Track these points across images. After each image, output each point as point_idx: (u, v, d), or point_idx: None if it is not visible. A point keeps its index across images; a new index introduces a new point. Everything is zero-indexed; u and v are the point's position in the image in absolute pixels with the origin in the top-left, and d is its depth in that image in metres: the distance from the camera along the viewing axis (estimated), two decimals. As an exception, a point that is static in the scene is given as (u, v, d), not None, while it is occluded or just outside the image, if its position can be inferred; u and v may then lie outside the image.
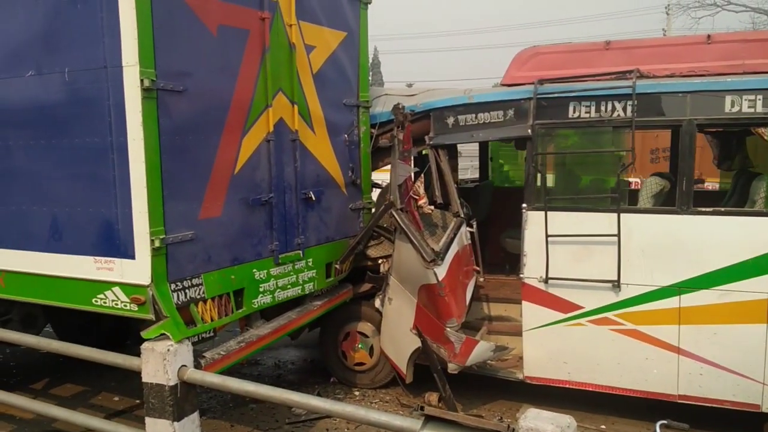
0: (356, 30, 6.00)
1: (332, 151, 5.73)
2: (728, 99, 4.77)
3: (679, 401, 4.92)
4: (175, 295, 4.04)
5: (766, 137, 4.76)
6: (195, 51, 4.21)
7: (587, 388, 5.28)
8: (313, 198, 5.37)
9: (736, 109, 4.75)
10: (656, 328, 4.96)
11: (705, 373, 4.82)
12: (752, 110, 4.71)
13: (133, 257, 3.97)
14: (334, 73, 5.72)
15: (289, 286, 5.22)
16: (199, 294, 4.24)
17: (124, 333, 6.70)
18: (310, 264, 5.46)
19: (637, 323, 5.03)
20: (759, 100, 4.68)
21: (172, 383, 3.66)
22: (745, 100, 4.72)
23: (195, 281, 4.22)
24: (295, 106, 5.13)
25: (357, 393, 6.30)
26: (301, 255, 5.32)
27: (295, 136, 5.14)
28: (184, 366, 3.74)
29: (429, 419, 2.83)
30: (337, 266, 5.88)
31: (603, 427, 5.41)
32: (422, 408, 2.78)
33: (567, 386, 5.32)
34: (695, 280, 4.81)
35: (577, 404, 5.34)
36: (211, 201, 4.37)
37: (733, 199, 5.53)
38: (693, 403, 4.90)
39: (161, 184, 3.97)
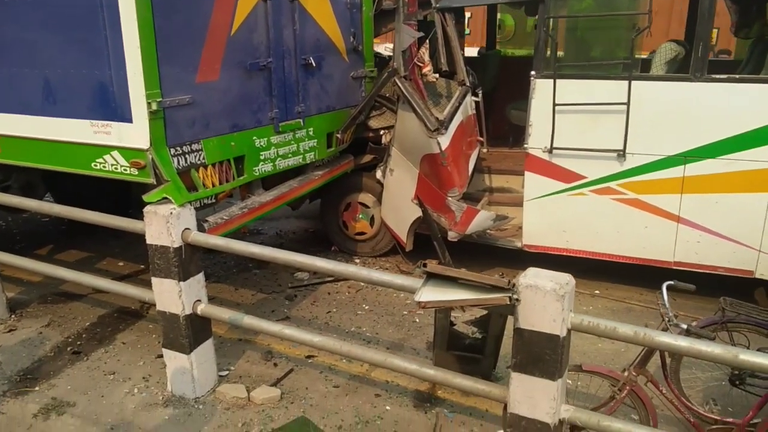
0: None
1: (333, 14, 5.45)
2: None
3: (675, 267, 5.03)
4: (175, 159, 4.00)
5: None
6: None
7: (585, 256, 5.40)
8: (313, 64, 5.19)
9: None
10: (658, 198, 4.98)
11: (702, 240, 4.89)
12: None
13: (130, 121, 3.88)
14: (334, -71, 5.33)
15: (290, 155, 5.17)
16: (199, 159, 4.20)
17: (125, 203, 6.73)
18: (310, 133, 5.37)
19: (640, 192, 5.03)
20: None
21: (176, 245, 3.69)
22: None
23: (195, 147, 4.16)
24: (296, -36, 4.83)
25: (357, 261, 6.45)
26: (302, 123, 5.22)
27: (295, -3, 4.88)
28: (188, 229, 3.76)
29: (430, 276, 2.87)
30: (339, 136, 5.80)
31: (597, 292, 5.59)
32: (424, 265, 2.80)
33: (565, 254, 5.43)
34: (702, 149, 4.75)
35: (573, 271, 5.44)
36: (207, 64, 4.21)
37: (749, 67, 5.34)
38: (688, 269, 5.01)
39: (155, 45, 3.79)
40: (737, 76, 4.88)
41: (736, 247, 4.84)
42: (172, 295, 3.81)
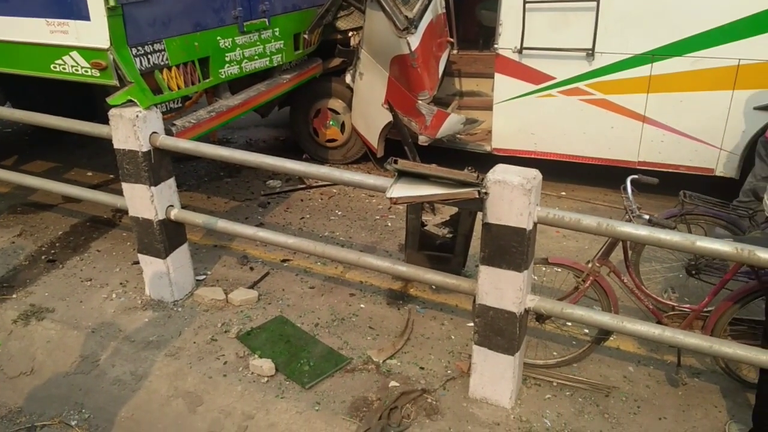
0: None
1: None
2: None
3: (638, 167, 5.16)
4: (137, 60, 3.86)
5: None
6: None
7: (552, 158, 5.50)
8: (276, -42, 4.96)
9: None
10: (625, 97, 5.02)
11: (666, 139, 4.99)
12: None
13: (87, 18, 3.70)
14: None
15: (256, 57, 5.03)
16: (162, 60, 4.06)
17: (89, 112, 6.53)
18: (276, 33, 5.21)
19: (607, 93, 5.07)
20: None
21: (144, 149, 3.64)
22: None
23: (157, 46, 4.02)
24: None
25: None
26: (267, 23, 5.05)
27: None
28: (155, 133, 3.70)
29: (401, 174, 2.91)
30: (306, 37, 5.64)
31: (563, 193, 5.73)
32: (395, 162, 2.83)
33: (533, 156, 5.52)
34: (670, 47, 4.76)
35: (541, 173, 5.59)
36: (166, -42, 4.00)
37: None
38: (651, 168, 5.14)
39: (109, -65, 3.58)
40: (707, -29, 4.83)
41: (698, 146, 4.96)
42: (144, 201, 3.81)
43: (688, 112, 4.88)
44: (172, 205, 3.92)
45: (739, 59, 4.63)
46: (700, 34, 4.68)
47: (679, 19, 4.69)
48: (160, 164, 3.78)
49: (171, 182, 3.91)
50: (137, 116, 3.60)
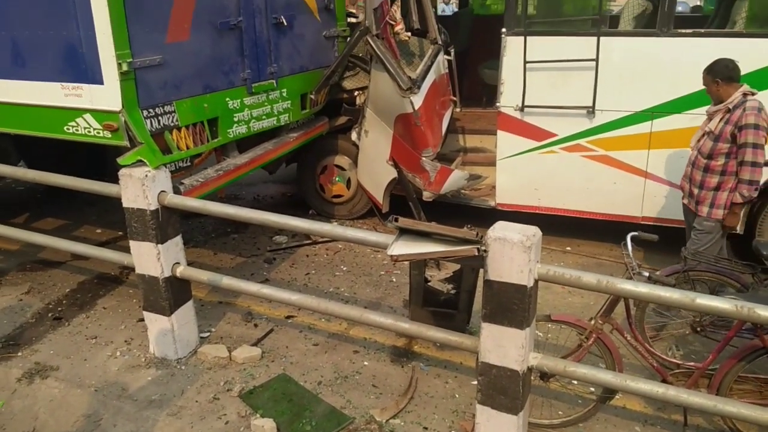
0: None
1: (303, -28, 5.40)
2: None
3: (642, 222, 5.18)
4: (148, 121, 3.99)
5: None
6: None
7: (556, 213, 5.53)
8: (285, 23, 5.15)
9: None
10: (627, 154, 5.09)
11: (669, 195, 5.02)
12: None
13: (101, 82, 3.85)
14: None
15: (264, 117, 5.17)
16: (172, 121, 4.19)
17: (100, 169, 6.68)
18: (284, 94, 5.36)
19: (609, 149, 5.14)
20: None
21: (152, 208, 3.72)
22: None
23: (167, 108, 4.15)
24: None
25: (335, 223, 6.51)
26: (275, 84, 5.21)
27: (262, -47, 4.82)
28: (164, 191, 3.78)
29: (403, 232, 2.95)
30: (312, 97, 5.79)
31: (568, 248, 5.74)
32: (396, 220, 2.87)
33: (537, 212, 5.55)
34: (669, 105, 4.85)
35: (545, 229, 5.55)
36: (177, 24, 4.17)
37: (716, 22, 5.42)
38: (655, 223, 5.16)
39: (123, 5, 3.74)
40: (702, 30, 4.97)
41: (701, 201, 4.97)
42: (150, 258, 3.85)
43: (689, 168, 4.91)
44: (178, 263, 3.96)
45: (737, 116, 4.69)
46: (697, 92, 4.75)
47: (676, 77, 4.79)
48: (167, 222, 3.85)
49: (178, 240, 3.97)
50: (146, 176, 3.69)
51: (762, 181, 3.90)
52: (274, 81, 5.17)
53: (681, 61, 4.77)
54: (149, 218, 3.74)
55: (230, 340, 4.32)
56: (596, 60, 4.88)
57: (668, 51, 4.76)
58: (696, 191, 4.05)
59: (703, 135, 3.98)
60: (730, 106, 3.82)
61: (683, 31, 4.79)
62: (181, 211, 3.95)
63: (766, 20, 4.85)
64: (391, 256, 2.79)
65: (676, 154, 4.94)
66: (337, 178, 6.43)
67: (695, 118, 4.79)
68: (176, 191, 4.03)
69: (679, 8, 5.10)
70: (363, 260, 5.62)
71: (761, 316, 2.44)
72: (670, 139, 4.92)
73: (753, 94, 3.82)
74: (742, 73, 4.57)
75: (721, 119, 3.86)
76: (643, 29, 5.12)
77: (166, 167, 3.92)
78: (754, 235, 4.91)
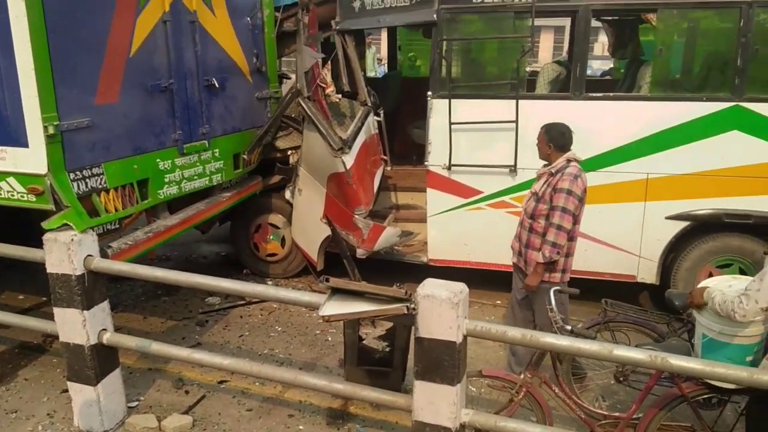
0: None
1: (234, 35, 5.51)
2: None
3: (566, 274, 5.38)
4: (75, 184, 3.92)
5: (654, 24, 5.00)
6: None
7: (485, 267, 5.69)
8: (217, 85, 5.21)
9: (629, -5, 4.93)
10: (548, 209, 5.32)
11: (589, 249, 5.27)
12: (642, -5, 4.91)
13: (26, 145, 3.77)
14: (233, -51, 5.41)
15: (196, 177, 5.16)
16: (100, 183, 4.13)
17: (24, 234, 6.42)
18: (216, 154, 5.38)
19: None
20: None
21: (78, 273, 3.61)
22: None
23: (95, 170, 4.09)
24: (192, -16, 4.87)
25: (270, 282, 6.47)
26: (207, 145, 5.22)
27: (194, 18, 4.91)
28: (90, 255, 3.69)
29: (335, 291, 2.99)
30: (245, 157, 5.83)
31: (498, 302, 5.89)
32: (327, 280, 2.92)
33: (467, 266, 5.70)
34: (585, 163, 5.11)
35: (477, 283, 5.71)
36: (106, 86, 4.16)
37: (625, 86, 5.85)
38: (578, 276, 5.32)
39: (50, 67, 3.72)
40: (611, 94, 5.36)
41: (620, 254, 5.27)
42: (75, 325, 3.72)
43: (607, 223, 5.21)
44: (105, 329, 3.84)
45: (648, 173, 5.05)
46: (611, 151, 5.11)
47: (590, 137, 5.11)
48: (94, 287, 3.74)
49: (105, 305, 3.86)
50: (72, 240, 3.60)
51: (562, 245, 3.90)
52: (206, 141, 5.19)
53: (593, 122, 5.10)
54: (75, 284, 3.64)
55: (160, 408, 4.17)
56: (516, 122, 5.16)
57: (581, 113, 5.09)
58: (524, 251, 4.10)
59: (531, 196, 4.09)
60: (554, 170, 3.93)
61: (594, 94, 5.16)
62: (108, 275, 3.85)
63: (668, 85, 5.28)
64: (323, 316, 2.82)
65: (593, 209, 5.18)
66: (271, 237, 6.43)
67: (610, 175, 5.13)
68: (104, 255, 3.94)
69: (590, 72, 5.46)
70: (298, 319, 5.58)
71: (673, 365, 2.59)
72: (588, 196, 5.14)
73: (577, 160, 3.94)
74: (648, 134, 4.97)
75: (545, 182, 3.96)
76: (557, 93, 5.47)
77: (93, 230, 3.84)
78: (669, 285, 5.20)
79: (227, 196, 5.67)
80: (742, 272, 5.03)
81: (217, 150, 5.37)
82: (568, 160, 3.92)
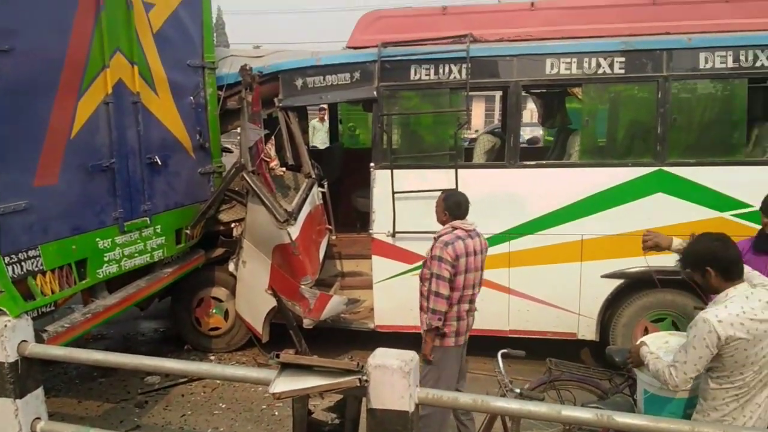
0: (198, -12, 5.83)
1: (178, 114, 5.57)
2: (548, 62, 5.30)
3: (510, 335, 5.51)
4: (9, 268, 3.79)
5: (580, 96, 5.37)
6: (22, 7, 3.89)
7: (432, 332, 5.73)
8: (159, 163, 5.22)
9: (555, 71, 5.31)
10: (490, 272, 5.41)
11: (531, 308, 5.43)
12: (568, 72, 5.28)
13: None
14: (177, 33, 5.54)
15: (136, 255, 5.07)
16: (36, 266, 4.00)
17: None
18: (158, 231, 5.32)
19: (474, 269, 5.51)
20: (573, 62, 5.25)
21: (11, 360, 3.44)
22: (563, 62, 5.29)
23: (32, 253, 3.97)
24: (135, 67, 4.92)
25: (213, 357, 6.31)
26: (149, 222, 5.17)
27: (137, 99, 4.95)
28: (25, 341, 3.54)
29: (285, 366, 2.97)
30: (188, 232, 5.78)
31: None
32: (277, 356, 2.90)
33: (414, 331, 5.71)
34: (522, 227, 5.38)
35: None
36: (45, 168, 4.10)
37: (555, 154, 6.19)
38: (521, 336, 5.51)
39: (-13, 151, 3.68)
40: (544, 162, 5.66)
41: (560, 313, 5.44)
42: (7, 416, 3.50)
43: (546, 283, 5.40)
44: (38, 418, 3.63)
45: (582, 235, 5.30)
46: (547, 215, 5.35)
47: (525, 202, 5.36)
48: (27, 374, 3.56)
49: (39, 392, 3.67)
50: (5, 326, 3.44)
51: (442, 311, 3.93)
52: (147, 218, 5.14)
53: (529, 188, 5.36)
54: (7, 371, 3.45)
55: (99, 499, 3.93)
56: (455, 189, 5.35)
57: (517, 180, 5.36)
58: (421, 315, 4.17)
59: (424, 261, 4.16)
60: (436, 236, 4.06)
61: (528, 162, 5.44)
62: (43, 360, 3.69)
63: (595, 152, 5.62)
64: (273, 394, 2.79)
65: (533, 270, 5.41)
66: (214, 310, 6.31)
67: (547, 237, 5.36)
68: (39, 339, 3.77)
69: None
70: (243, 395, 5.44)
71: (619, 422, 2.67)
72: (527, 258, 5.40)
73: (465, 229, 3.98)
74: (581, 198, 5.24)
75: (432, 247, 4.06)
76: (493, 162, 5.74)
77: (27, 314, 3.70)
78: (608, 341, 5.38)
79: (169, 272, 5.58)
80: (675, 325, 5.28)
81: (159, 226, 5.32)
82: (453, 228, 4.01)
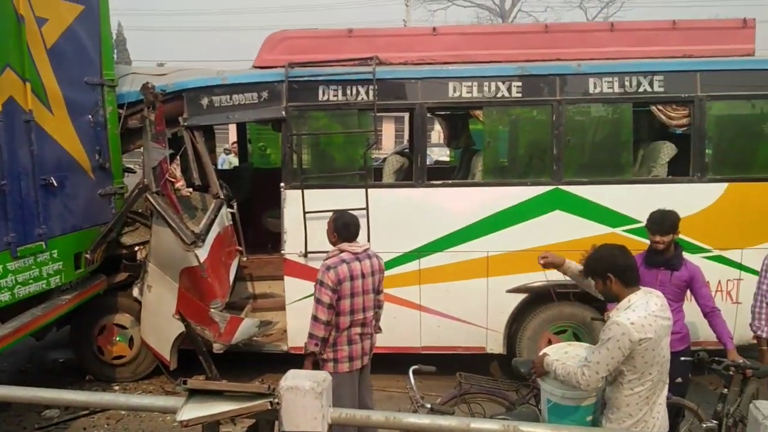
0: (95, 3, 5.62)
1: (75, 133, 5.33)
2: (451, 85, 5.51)
3: (422, 352, 5.61)
4: None
5: (481, 118, 5.61)
6: None
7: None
8: (55, 184, 4.97)
9: (457, 94, 5.52)
10: (402, 290, 5.58)
11: (442, 325, 5.56)
12: (470, 95, 5.51)
13: None
14: (73, 49, 5.32)
15: (31, 281, 4.78)
16: None
17: None
18: (55, 255, 5.05)
19: (386, 287, 5.57)
20: (474, 86, 5.48)
21: None
22: (464, 86, 5.51)
23: None
24: (28, 84, 4.69)
25: (117, 387, 6.02)
26: (44, 246, 4.90)
27: (30, 117, 4.71)
28: None
29: (193, 393, 2.89)
30: (88, 256, 5.51)
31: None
32: (185, 382, 2.82)
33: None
34: (431, 245, 5.52)
35: (338, 367, 5.78)
36: (-75, 190, 3.83)
37: (460, 173, 6.41)
38: (434, 352, 5.63)
39: None
40: (450, 182, 5.86)
41: (469, 328, 5.61)
42: None
43: (455, 299, 5.56)
44: None
45: (488, 251, 5.50)
46: (454, 233, 5.52)
47: (434, 220, 5.50)
48: None
49: None
50: None
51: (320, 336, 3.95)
52: (43, 243, 4.86)
53: (436, 207, 5.53)
54: None
55: None
56: (366, 209, 5.43)
57: (424, 199, 5.51)
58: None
59: None
60: (325, 258, 4.10)
61: (435, 182, 5.60)
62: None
63: (497, 172, 5.86)
64: (181, 422, 2.71)
65: (442, 287, 5.55)
66: (117, 338, 6.03)
67: (454, 254, 5.52)
68: None
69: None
70: (150, 425, 5.22)
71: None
72: (436, 275, 5.54)
73: (349, 252, 4.01)
74: (485, 216, 5.45)
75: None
76: (402, 181, 5.87)
77: None
78: (515, 353, 5.59)
79: (67, 299, 5.29)
80: (576, 336, 5.56)
81: (55, 251, 5.05)
82: (341, 250, 4.03)
